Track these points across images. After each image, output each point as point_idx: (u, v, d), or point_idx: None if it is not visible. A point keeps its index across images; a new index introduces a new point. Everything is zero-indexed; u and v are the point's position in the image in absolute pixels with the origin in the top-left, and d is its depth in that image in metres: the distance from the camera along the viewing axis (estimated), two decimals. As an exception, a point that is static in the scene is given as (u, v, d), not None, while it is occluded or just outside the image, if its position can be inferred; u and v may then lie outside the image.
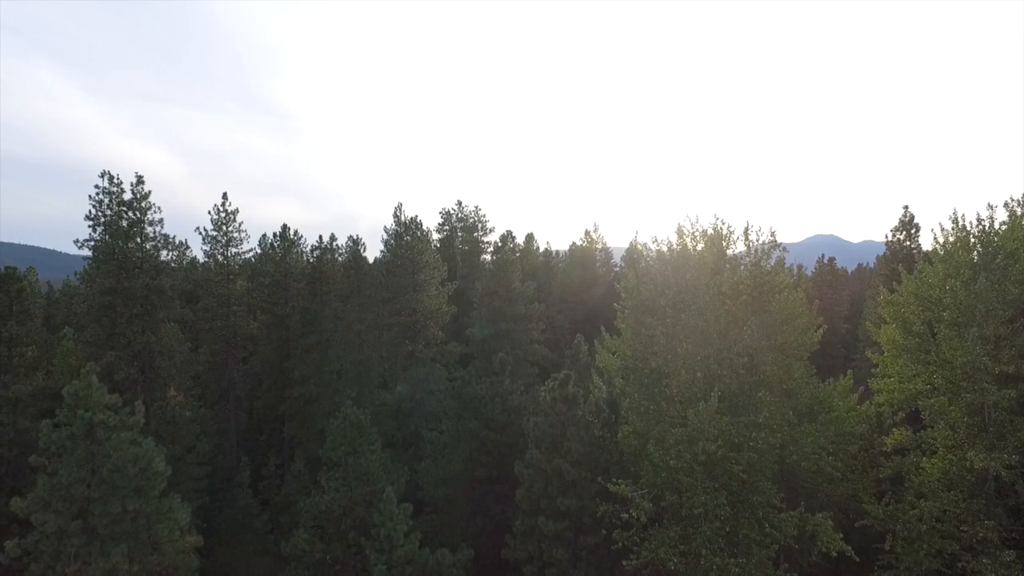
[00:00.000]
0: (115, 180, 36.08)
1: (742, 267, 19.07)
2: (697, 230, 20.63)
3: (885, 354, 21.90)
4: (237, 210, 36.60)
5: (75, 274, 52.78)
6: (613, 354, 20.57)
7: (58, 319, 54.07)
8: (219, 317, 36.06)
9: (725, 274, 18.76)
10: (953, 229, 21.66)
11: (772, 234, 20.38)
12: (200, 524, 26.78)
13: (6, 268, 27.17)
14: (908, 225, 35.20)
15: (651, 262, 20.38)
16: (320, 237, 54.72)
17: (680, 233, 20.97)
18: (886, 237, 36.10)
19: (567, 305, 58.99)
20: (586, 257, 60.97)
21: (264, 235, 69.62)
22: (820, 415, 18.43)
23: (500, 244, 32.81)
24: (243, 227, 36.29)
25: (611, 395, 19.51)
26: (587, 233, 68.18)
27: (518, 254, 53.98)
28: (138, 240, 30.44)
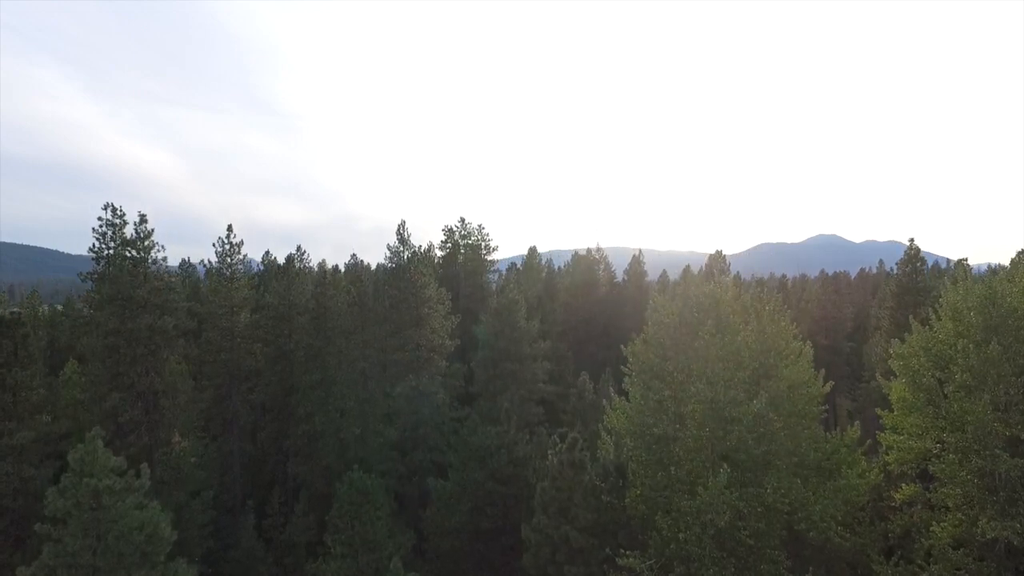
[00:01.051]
0: (118, 212, 36.09)
1: (745, 333, 18.83)
2: (702, 294, 20.41)
3: (895, 412, 21.74)
4: (242, 242, 36.56)
5: (79, 275, 52.90)
6: (617, 410, 20.40)
7: (61, 342, 54.20)
8: (223, 350, 35.98)
9: (728, 338, 18.57)
10: (962, 282, 21.54)
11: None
12: (206, 571, 26.77)
13: (10, 312, 27.14)
14: (914, 259, 35.03)
15: (656, 327, 20.19)
16: (322, 265, 54.55)
17: (685, 300, 20.81)
18: (893, 270, 35.91)
19: (570, 326, 58.92)
20: (589, 277, 60.81)
21: (267, 254, 69.64)
22: (828, 481, 18.25)
23: (503, 286, 32.57)
24: (247, 259, 36.24)
25: (619, 458, 19.38)
26: (589, 251, 68.07)
27: (524, 280, 53.76)
28: (142, 276, 30.28)
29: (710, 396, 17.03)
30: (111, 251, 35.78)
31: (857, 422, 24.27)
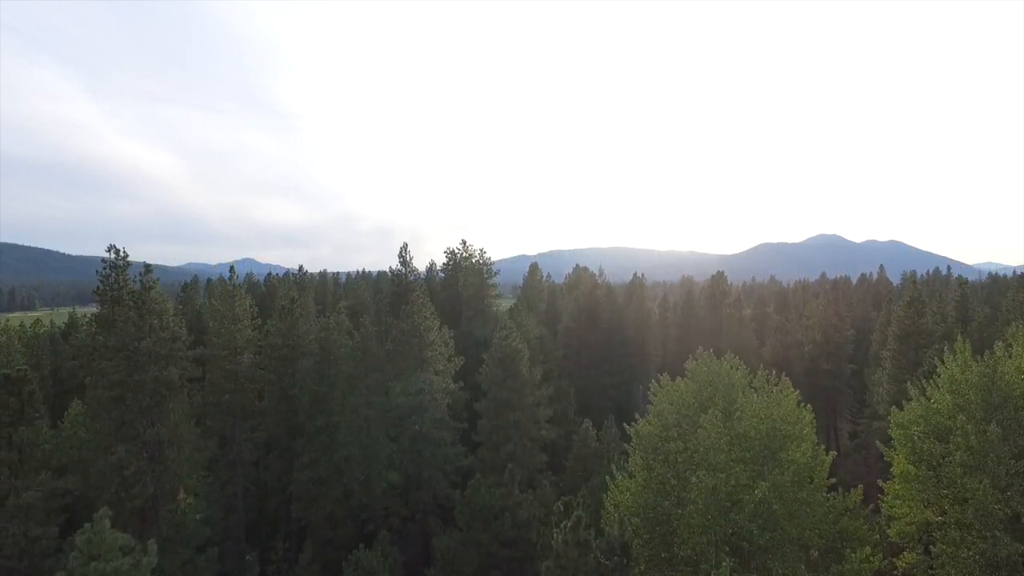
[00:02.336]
0: (120, 254, 36.39)
1: (750, 418, 18.91)
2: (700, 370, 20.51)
3: (897, 483, 21.86)
4: (245, 284, 36.65)
5: (85, 319, 52.59)
6: (621, 487, 20.52)
7: (64, 372, 54.37)
8: (226, 391, 36.14)
9: (733, 423, 18.69)
10: (960, 353, 21.67)
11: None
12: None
13: (16, 369, 27.26)
14: (916, 302, 35.15)
15: (661, 408, 20.29)
16: (325, 309, 54.45)
17: (692, 374, 20.94)
18: (895, 312, 35.98)
19: (572, 350, 59.07)
20: (590, 300, 60.88)
21: (269, 276, 69.79)
22: (834, 564, 18.36)
23: (506, 333, 32.67)
24: (251, 304, 36.40)
25: (623, 535, 19.50)
26: (592, 275, 68.28)
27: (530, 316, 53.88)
28: (147, 328, 30.40)
29: (712, 484, 17.18)
30: (114, 293, 36.06)
31: (860, 486, 24.41)
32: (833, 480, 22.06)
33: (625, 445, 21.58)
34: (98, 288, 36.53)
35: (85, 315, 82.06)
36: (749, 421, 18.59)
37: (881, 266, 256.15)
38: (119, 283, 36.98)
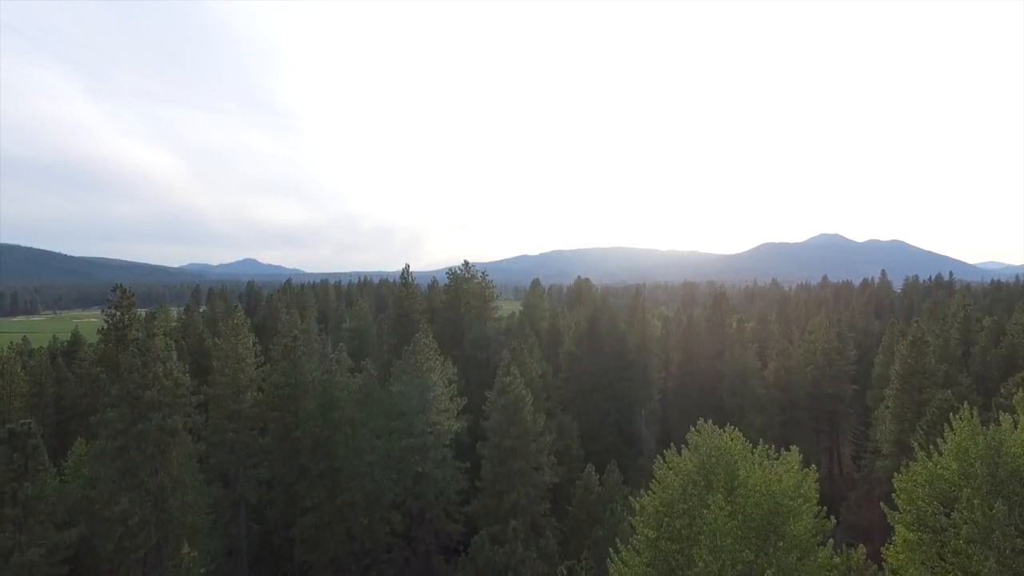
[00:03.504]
0: (127, 294, 36.44)
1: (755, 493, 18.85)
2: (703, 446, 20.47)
3: (900, 551, 21.81)
4: (250, 328, 36.73)
5: (90, 354, 52.47)
6: (624, 563, 20.47)
7: (68, 400, 54.40)
8: (229, 430, 36.20)
9: (737, 500, 18.66)
10: (966, 420, 21.60)
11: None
12: None
13: (19, 423, 27.27)
14: (919, 342, 35.11)
15: (665, 482, 20.25)
16: (328, 348, 54.44)
17: (695, 447, 20.91)
18: (899, 351, 35.90)
19: (574, 374, 59.10)
20: (592, 327, 60.85)
21: (270, 299, 69.62)
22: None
23: (508, 380, 32.64)
24: (254, 342, 36.44)
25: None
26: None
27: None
28: (152, 376, 30.45)
29: (716, 568, 17.16)
30: (118, 333, 36.12)
31: (861, 545, 24.37)
32: (836, 521, 22.07)
33: (629, 519, 21.53)
34: (102, 329, 36.69)
35: (89, 344, 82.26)
36: (752, 497, 18.56)
37: (883, 271, 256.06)
38: (124, 322, 37.20)
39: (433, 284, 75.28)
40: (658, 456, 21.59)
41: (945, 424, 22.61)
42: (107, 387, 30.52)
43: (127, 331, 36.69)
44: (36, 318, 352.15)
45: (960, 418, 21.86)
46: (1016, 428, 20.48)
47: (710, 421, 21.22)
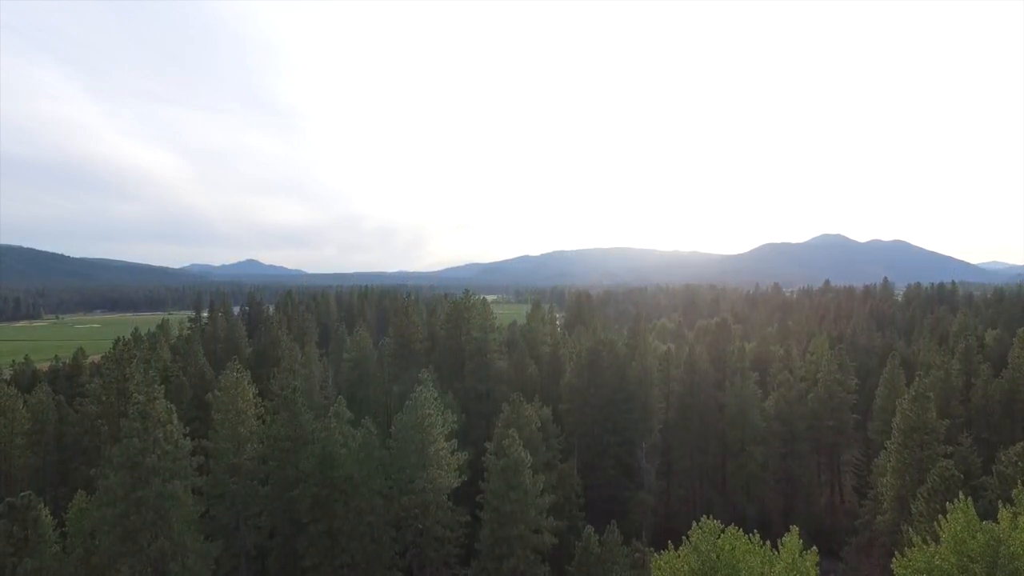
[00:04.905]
0: (128, 345, 36.44)
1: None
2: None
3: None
4: (250, 381, 36.78)
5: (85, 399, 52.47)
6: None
7: (69, 439, 54.45)
8: (230, 484, 36.23)
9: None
10: (963, 512, 21.60)
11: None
12: None
13: (20, 495, 27.34)
14: (921, 397, 35.08)
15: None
16: (330, 379, 54.60)
17: (695, 546, 20.87)
18: (900, 406, 35.81)
19: (575, 405, 59.04)
20: (594, 356, 60.77)
21: (268, 325, 69.77)
22: None
23: (508, 443, 32.61)
24: (256, 397, 36.55)
25: None
26: (599, 340, 68.09)
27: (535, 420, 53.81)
28: (151, 442, 30.49)
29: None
30: (119, 386, 36.15)
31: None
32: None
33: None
34: (101, 383, 36.75)
35: (89, 366, 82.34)
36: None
37: (885, 279, 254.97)
38: (124, 375, 37.25)
39: (433, 311, 75.35)
40: (654, 556, 21.54)
41: (945, 501, 22.59)
42: (107, 440, 30.56)
43: (127, 385, 36.83)
44: (39, 323, 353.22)
45: (957, 509, 21.84)
46: (1016, 528, 20.43)
47: (712, 518, 21.10)
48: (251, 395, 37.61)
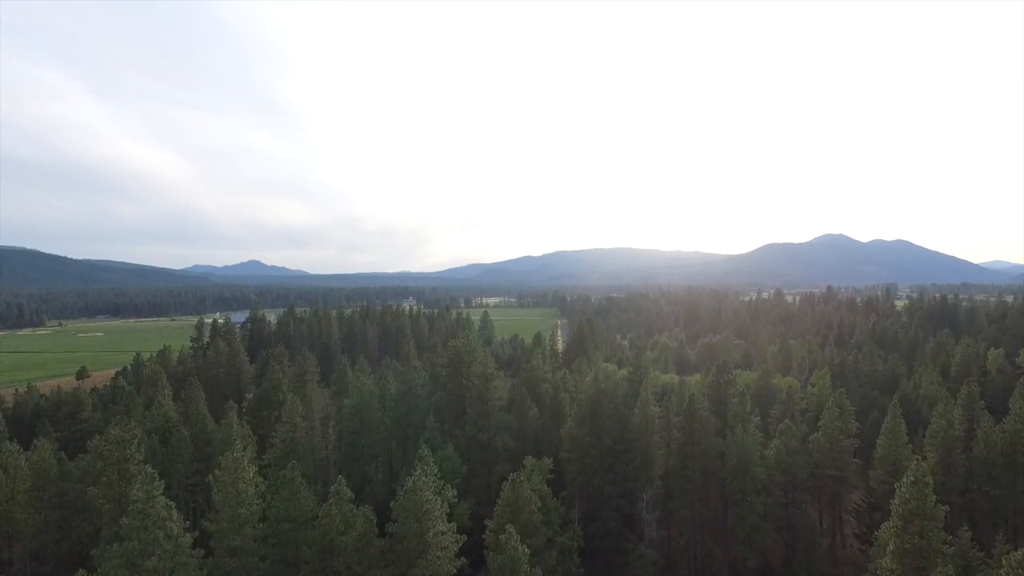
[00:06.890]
0: (128, 426, 36.51)
1: None
2: None
3: None
4: (249, 460, 36.85)
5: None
6: None
7: (70, 495, 54.64)
8: (231, 565, 36.35)
9: None
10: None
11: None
12: None
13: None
14: (921, 482, 35.02)
15: None
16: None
17: None
18: (900, 490, 35.67)
19: (576, 454, 59.07)
20: (594, 405, 60.78)
21: (268, 366, 69.91)
22: None
23: (503, 539, 32.55)
24: (255, 477, 36.63)
25: None
26: (600, 390, 68.04)
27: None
28: (151, 541, 30.56)
29: None
30: (120, 468, 36.25)
31: None
32: None
33: None
34: (102, 478, 36.88)
35: (90, 396, 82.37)
36: None
37: (887, 289, 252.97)
38: (125, 456, 37.38)
39: (435, 355, 75.34)
40: None
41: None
42: (108, 522, 30.61)
43: (127, 466, 37.03)
44: (42, 332, 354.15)
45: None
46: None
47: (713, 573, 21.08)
48: (251, 474, 37.71)
